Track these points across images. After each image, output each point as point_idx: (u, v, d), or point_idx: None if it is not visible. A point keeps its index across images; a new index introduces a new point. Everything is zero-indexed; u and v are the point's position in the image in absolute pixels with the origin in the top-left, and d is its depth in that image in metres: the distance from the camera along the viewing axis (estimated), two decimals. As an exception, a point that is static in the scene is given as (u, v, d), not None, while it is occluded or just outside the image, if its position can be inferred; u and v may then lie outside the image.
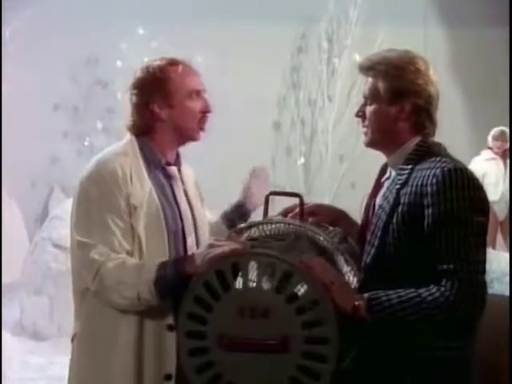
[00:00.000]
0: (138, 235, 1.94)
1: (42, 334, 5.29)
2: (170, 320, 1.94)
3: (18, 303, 5.53)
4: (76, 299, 2.04)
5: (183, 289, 1.80)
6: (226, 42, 7.39)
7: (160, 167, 2.06)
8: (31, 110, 7.39)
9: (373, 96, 1.87)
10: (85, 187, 1.97)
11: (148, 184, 1.99)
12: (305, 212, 2.00)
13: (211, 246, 1.82)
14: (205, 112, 2.08)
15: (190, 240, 2.08)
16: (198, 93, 2.07)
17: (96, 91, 7.60)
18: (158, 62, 2.06)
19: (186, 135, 2.08)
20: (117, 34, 7.37)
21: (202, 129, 2.08)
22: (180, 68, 2.06)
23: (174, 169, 2.09)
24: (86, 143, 7.67)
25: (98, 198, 1.93)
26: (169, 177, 2.08)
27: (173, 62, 2.06)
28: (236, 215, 2.27)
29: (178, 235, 2.04)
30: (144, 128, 2.05)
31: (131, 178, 1.96)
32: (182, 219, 2.06)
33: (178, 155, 2.13)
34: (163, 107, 2.03)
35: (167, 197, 2.04)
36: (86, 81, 7.66)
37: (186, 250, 2.04)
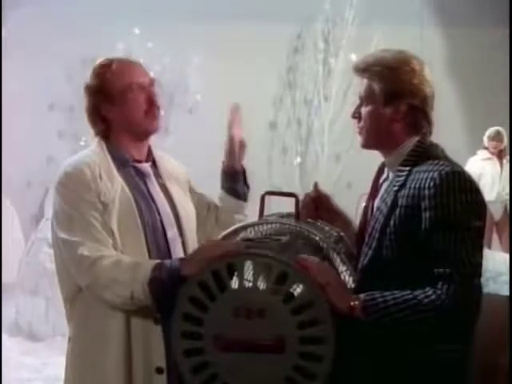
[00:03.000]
0: (110, 230, 1.96)
1: (38, 335, 5.28)
2: (156, 314, 1.96)
3: (13, 304, 5.52)
4: (66, 306, 2.07)
5: (177, 291, 1.80)
6: (222, 42, 7.39)
7: (129, 165, 2.08)
8: (27, 110, 7.38)
9: (368, 97, 1.87)
10: (58, 191, 2.00)
11: (119, 181, 2.02)
12: (310, 198, 2.02)
13: (205, 246, 1.83)
14: (149, 103, 2.06)
15: (171, 233, 2.08)
16: (138, 85, 2.06)
17: (92, 91, 7.58)
18: (94, 66, 2.09)
19: (137, 129, 2.08)
20: (113, 34, 7.36)
21: (153, 118, 2.07)
22: (114, 66, 2.07)
23: (145, 165, 2.11)
24: (81, 143, 7.64)
25: (72, 198, 1.96)
26: (141, 174, 2.09)
27: (105, 63, 2.08)
28: (229, 179, 2.26)
29: (156, 229, 2.05)
30: (102, 132, 2.09)
31: (100, 176, 1.99)
32: (159, 213, 2.07)
33: (149, 151, 2.14)
34: (108, 109, 2.05)
35: (141, 192, 2.06)
36: (82, 81, 7.62)
37: (167, 244, 2.06)
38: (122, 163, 2.07)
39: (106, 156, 2.05)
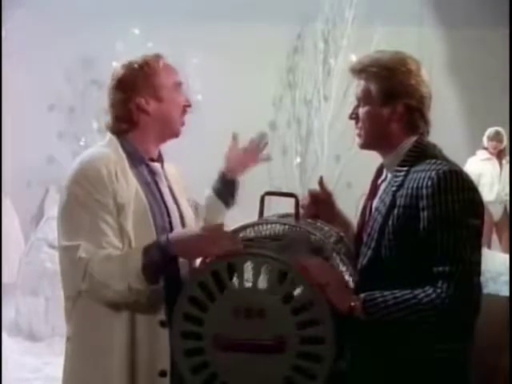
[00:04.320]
0: (126, 233, 1.93)
1: (38, 335, 5.28)
2: (162, 316, 1.94)
3: (13, 304, 5.52)
4: (68, 304, 2.03)
5: (171, 270, 1.85)
6: (222, 42, 7.39)
7: (144, 163, 2.06)
8: (26, 110, 7.38)
9: (365, 98, 1.88)
10: (70, 189, 1.95)
11: (133, 181, 1.99)
12: (311, 198, 2.03)
13: (202, 231, 1.83)
14: (186, 106, 2.10)
15: None
16: (180, 87, 2.10)
17: (91, 91, 7.58)
18: (142, 58, 2.07)
19: (170, 129, 2.08)
20: (112, 34, 7.36)
21: (182, 124, 2.11)
22: (162, 62, 2.08)
23: (157, 165, 2.10)
24: (81, 143, 7.66)
25: (85, 198, 1.92)
26: (153, 173, 2.08)
27: (156, 57, 2.09)
28: (221, 185, 2.34)
29: (165, 231, 2.03)
30: (127, 123, 2.05)
31: (116, 175, 1.96)
32: (169, 215, 2.06)
33: (159, 152, 2.14)
34: (150, 101, 2.04)
35: (153, 193, 2.05)
36: (81, 81, 7.65)
37: None
38: (137, 161, 2.05)
39: (121, 154, 2.02)
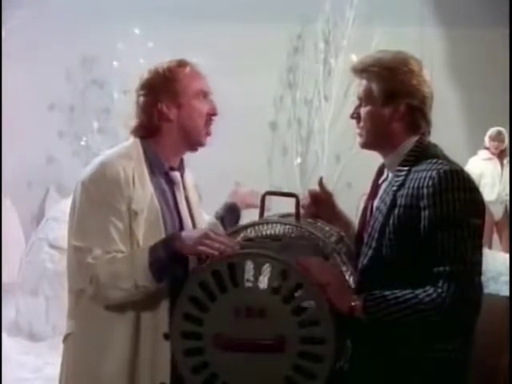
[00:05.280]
0: (137, 241, 1.93)
1: (38, 335, 5.28)
2: (166, 329, 1.92)
3: (13, 304, 5.52)
4: (71, 298, 2.02)
5: (177, 268, 1.85)
6: (223, 42, 7.39)
7: (163, 172, 2.05)
8: (27, 110, 7.38)
9: (367, 97, 1.88)
10: (86, 187, 1.94)
11: (150, 189, 1.98)
12: (311, 198, 2.03)
13: (207, 235, 1.82)
14: (211, 114, 2.08)
15: None
16: (205, 94, 2.08)
17: (92, 91, 7.58)
18: (166, 64, 2.06)
19: (192, 137, 2.06)
20: (113, 34, 7.36)
21: (207, 133, 2.08)
22: (188, 69, 2.06)
23: (176, 174, 2.09)
24: (82, 143, 7.66)
25: (99, 199, 1.92)
26: (171, 182, 2.07)
27: (181, 64, 2.07)
28: (227, 213, 2.32)
29: None
30: (150, 129, 2.04)
31: (133, 181, 1.95)
32: (181, 225, 2.05)
33: (181, 161, 2.13)
34: (171, 107, 2.02)
35: (168, 203, 2.04)
36: (81, 81, 7.65)
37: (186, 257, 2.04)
38: (157, 169, 2.04)
39: (141, 160, 2.01)
